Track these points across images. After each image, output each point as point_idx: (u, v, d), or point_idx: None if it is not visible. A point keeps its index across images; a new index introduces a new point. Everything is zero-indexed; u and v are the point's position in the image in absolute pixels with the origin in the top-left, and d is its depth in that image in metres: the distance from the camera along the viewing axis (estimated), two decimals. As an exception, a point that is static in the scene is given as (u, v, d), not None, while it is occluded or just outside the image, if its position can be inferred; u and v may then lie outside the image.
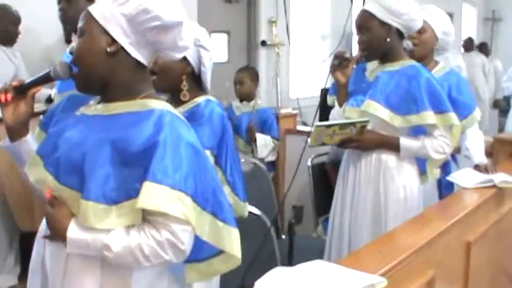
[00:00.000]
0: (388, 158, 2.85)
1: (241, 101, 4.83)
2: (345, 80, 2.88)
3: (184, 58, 2.28)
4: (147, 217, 1.59)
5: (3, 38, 4.36)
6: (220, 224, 1.65)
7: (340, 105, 2.92)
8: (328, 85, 3.25)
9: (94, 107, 1.75)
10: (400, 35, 2.87)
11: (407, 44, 3.38)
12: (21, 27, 4.38)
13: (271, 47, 6.98)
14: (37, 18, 4.46)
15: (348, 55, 2.89)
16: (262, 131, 4.65)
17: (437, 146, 2.82)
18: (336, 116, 2.94)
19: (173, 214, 1.53)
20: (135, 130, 1.60)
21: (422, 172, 2.97)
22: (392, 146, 2.84)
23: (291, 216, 3.58)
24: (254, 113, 4.68)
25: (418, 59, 3.38)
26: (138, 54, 1.68)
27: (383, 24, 2.78)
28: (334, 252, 2.96)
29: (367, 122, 2.78)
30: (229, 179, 2.35)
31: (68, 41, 3.53)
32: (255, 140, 4.57)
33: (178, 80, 2.32)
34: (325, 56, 6.94)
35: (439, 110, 2.77)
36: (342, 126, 2.73)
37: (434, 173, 3.01)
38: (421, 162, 2.95)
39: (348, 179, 2.92)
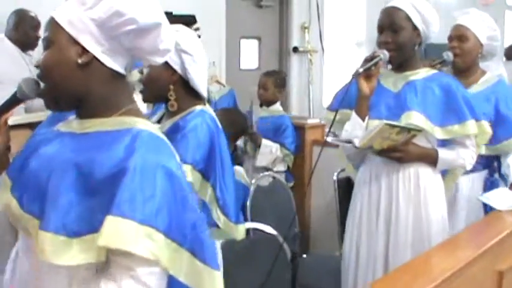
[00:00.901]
0: (426, 173, 2.66)
1: (262, 105, 4.68)
2: (370, 91, 2.62)
3: (170, 66, 2.14)
4: (109, 256, 1.37)
5: (23, 43, 4.24)
6: (199, 264, 1.43)
7: (363, 119, 2.67)
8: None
9: (69, 123, 1.56)
10: (420, 44, 2.69)
11: (448, 55, 3.19)
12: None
13: (303, 53, 6.79)
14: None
15: (381, 59, 2.61)
16: (274, 138, 4.47)
17: (469, 157, 2.69)
18: (350, 130, 2.67)
19: (140, 254, 1.32)
20: (104, 153, 1.40)
21: None
22: (432, 158, 2.66)
23: (298, 240, 3.35)
24: (255, 118, 4.52)
25: (460, 71, 3.19)
26: (114, 63, 1.48)
27: (415, 29, 2.61)
28: (362, 273, 2.71)
29: (420, 131, 2.58)
30: (218, 196, 2.15)
31: None
32: (259, 146, 4.38)
33: (166, 90, 2.18)
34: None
35: (475, 118, 2.63)
36: (401, 130, 2.51)
37: (451, 186, 2.87)
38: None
39: (381, 196, 2.68)
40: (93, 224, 1.35)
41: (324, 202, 4.26)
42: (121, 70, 1.50)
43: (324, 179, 4.16)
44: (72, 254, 1.36)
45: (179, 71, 2.17)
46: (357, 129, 2.66)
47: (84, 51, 1.44)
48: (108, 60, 1.46)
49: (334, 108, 2.81)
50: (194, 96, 2.22)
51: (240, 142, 4.72)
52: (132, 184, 1.33)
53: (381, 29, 2.63)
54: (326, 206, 4.30)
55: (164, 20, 1.48)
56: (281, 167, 4.48)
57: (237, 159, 3.48)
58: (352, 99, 2.65)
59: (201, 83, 2.22)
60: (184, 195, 1.40)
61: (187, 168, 2.02)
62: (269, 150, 4.38)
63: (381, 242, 2.67)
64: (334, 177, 3.88)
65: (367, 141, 2.50)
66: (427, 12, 2.61)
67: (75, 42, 1.44)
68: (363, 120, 2.63)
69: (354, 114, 2.66)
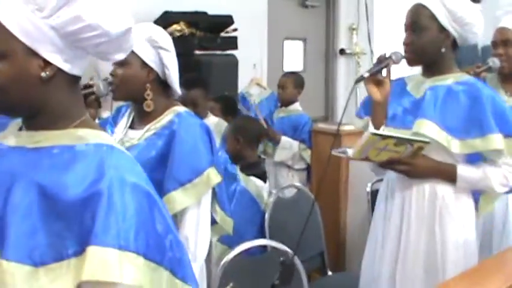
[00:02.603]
0: (445, 191, 2.35)
1: (281, 106, 4.81)
2: (382, 97, 2.35)
3: (146, 64, 2.10)
4: (84, 286, 1.23)
5: None
6: (179, 282, 1.33)
7: (378, 128, 2.41)
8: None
9: (15, 136, 1.38)
10: (454, 46, 2.38)
11: (493, 61, 2.94)
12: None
13: (350, 56, 6.54)
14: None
15: (394, 61, 2.33)
16: (292, 137, 4.56)
17: (501, 177, 2.32)
18: None
19: (126, 283, 1.21)
20: (69, 173, 1.26)
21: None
22: (449, 175, 2.33)
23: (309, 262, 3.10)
24: (258, 112, 4.57)
25: (507, 78, 2.95)
26: (75, 69, 1.33)
27: (442, 29, 2.32)
28: None
29: (427, 143, 2.27)
30: (216, 190, 2.19)
31: None
32: (278, 142, 4.48)
33: (141, 90, 2.13)
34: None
35: (507, 132, 2.27)
36: (399, 141, 2.23)
37: (489, 209, 2.52)
38: (476, 195, 2.44)
39: (392, 214, 2.41)
40: (60, 251, 1.24)
41: (358, 215, 3.99)
42: (80, 73, 1.35)
43: (357, 190, 3.93)
44: (40, 284, 1.24)
45: (156, 69, 2.12)
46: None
47: (47, 63, 1.27)
48: (70, 68, 1.31)
49: (363, 114, 2.59)
50: (169, 96, 2.20)
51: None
52: (108, 209, 1.23)
53: (405, 28, 2.37)
54: (361, 220, 4.04)
55: (131, 22, 1.34)
56: (302, 165, 4.56)
57: (257, 168, 3.25)
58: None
59: (177, 80, 2.18)
60: (157, 209, 1.31)
61: (212, 172, 2.08)
62: (289, 145, 4.47)
63: (386, 267, 2.40)
64: (368, 189, 3.64)
65: (359, 152, 2.24)
66: (461, 10, 2.30)
67: (34, 54, 1.26)
68: (379, 128, 2.37)
69: (370, 123, 2.41)
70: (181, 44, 4.62)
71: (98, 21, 1.25)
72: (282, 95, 4.74)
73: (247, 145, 3.25)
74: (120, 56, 1.39)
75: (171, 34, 4.69)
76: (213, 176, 2.09)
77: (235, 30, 5.09)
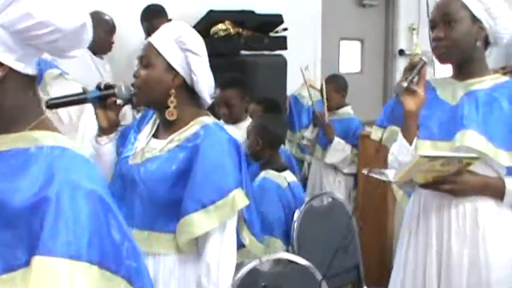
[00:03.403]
0: (486, 207, 2.10)
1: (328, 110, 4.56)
2: (416, 107, 2.11)
3: (172, 68, 1.93)
4: None
5: (94, 48, 4.05)
6: None
7: (410, 142, 2.17)
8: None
9: None
10: (486, 44, 2.15)
11: None
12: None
13: (410, 57, 6.22)
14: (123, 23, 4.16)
15: (426, 63, 2.11)
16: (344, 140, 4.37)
17: None
18: (396, 154, 2.18)
19: None
20: (22, 178, 1.19)
21: None
22: (497, 190, 2.09)
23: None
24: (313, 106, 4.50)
25: None
26: (29, 68, 1.26)
27: (475, 20, 2.09)
28: None
29: (476, 159, 2.04)
30: (245, 215, 2.02)
31: None
32: (331, 142, 4.32)
33: (165, 95, 1.94)
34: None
35: None
36: (448, 160, 2.01)
37: None
38: None
39: (430, 235, 2.17)
40: (10, 261, 1.18)
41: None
42: (34, 72, 1.27)
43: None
44: None
45: (183, 73, 1.94)
46: (403, 153, 2.16)
47: None
48: (23, 66, 1.24)
49: (383, 123, 2.38)
50: (196, 104, 2.01)
51: (308, 134, 4.48)
52: (57, 216, 1.15)
53: (433, 23, 2.14)
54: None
55: (86, 17, 1.29)
56: (352, 169, 4.38)
57: (275, 163, 3.11)
58: (401, 114, 2.17)
59: (206, 88, 1.99)
60: (112, 216, 1.23)
61: (238, 193, 1.89)
62: (341, 147, 4.31)
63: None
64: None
65: (403, 176, 2.02)
66: (492, 1, 2.09)
67: None
68: (411, 141, 2.14)
69: (400, 135, 2.18)
70: (226, 44, 4.53)
71: (49, 18, 1.19)
72: (328, 105, 4.50)
73: (267, 147, 3.04)
74: (77, 53, 1.31)
75: (215, 34, 4.61)
76: (239, 199, 1.88)
77: (285, 29, 4.92)
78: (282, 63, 4.75)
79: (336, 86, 4.50)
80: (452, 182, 2.05)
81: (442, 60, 2.15)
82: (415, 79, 2.08)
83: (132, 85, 1.98)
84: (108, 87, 2.01)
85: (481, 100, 2.08)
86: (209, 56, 4.22)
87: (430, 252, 2.17)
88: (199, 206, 1.84)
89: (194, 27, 4.49)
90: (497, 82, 2.11)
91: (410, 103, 2.10)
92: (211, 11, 4.56)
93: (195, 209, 1.84)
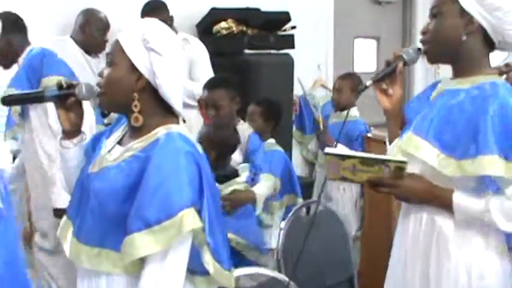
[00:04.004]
0: (444, 222, 1.90)
1: (336, 110, 4.39)
2: (391, 105, 1.99)
3: (136, 69, 1.71)
4: None
5: (88, 46, 3.93)
6: None
7: (390, 141, 2.02)
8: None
9: None
10: (487, 41, 1.92)
11: None
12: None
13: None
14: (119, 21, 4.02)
15: (405, 61, 1.98)
16: (348, 145, 4.05)
17: (505, 211, 1.82)
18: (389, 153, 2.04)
19: None
20: None
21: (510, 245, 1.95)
22: (444, 202, 1.88)
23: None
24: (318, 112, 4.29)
25: None
26: None
27: (463, 13, 1.88)
28: None
29: (404, 162, 1.85)
30: (209, 241, 1.69)
31: None
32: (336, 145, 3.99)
33: (128, 98, 1.73)
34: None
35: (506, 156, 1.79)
36: (364, 161, 1.86)
37: None
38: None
39: (399, 243, 2.03)
40: None
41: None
42: None
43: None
44: None
45: (147, 75, 1.72)
46: (389, 151, 2.04)
47: None
48: None
49: None
50: (166, 110, 1.77)
51: (312, 147, 4.32)
52: None
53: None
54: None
55: None
56: None
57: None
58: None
59: (174, 94, 1.75)
60: None
61: (188, 214, 1.62)
62: None
63: None
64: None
65: (333, 173, 1.92)
66: None
67: None
68: (391, 140, 2.03)
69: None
70: (229, 43, 4.38)
71: None
72: (338, 99, 4.29)
73: (222, 157, 2.88)
74: None
75: (217, 32, 4.46)
76: (189, 220, 1.61)
77: (293, 27, 4.75)
78: (289, 63, 4.58)
79: (352, 84, 4.23)
80: (389, 186, 1.88)
81: (428, 58, 1.97)
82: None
83: (98, 85, 1.80)
84: (70, 86, 1.83)
85: (447, 100, 1.90)
86: (211, 55, 4.15)
87: (394, 260, 2.05)
88: (143, 225, 1.61)
89: (196, 25, 4.48)
90: (477, 82, 1.89)
91: (384, 102, 1.99)
92: (213, 9, 4.42)
93: (139, 229, 1.61)
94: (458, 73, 1.95)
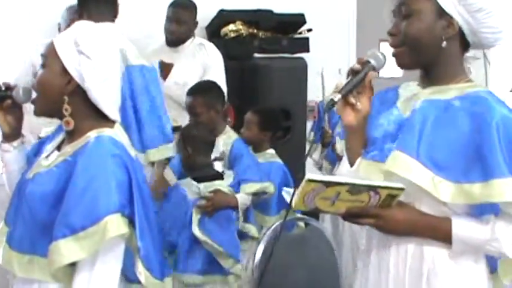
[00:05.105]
0: (436, 254, 1.65)
1: None
2: (356, 122, 1.71)
3: (67, 72, 1.71)
4: None
5: None
6: None
7: (352, 162, 1.77)
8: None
9: None
10: (463, 43, 1.70)
11: None
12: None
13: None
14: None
15: (375, 68, 1.69)
16: None
17: None
18: (346, 175, 1.79)
19: None
20: None
21: (492, 270, 1.76)
22: (440, 234, 1.65)
23: None
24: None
25: None
26: None
27: (442, 14, 1.66)
28: None
29: (401, 189, 1.61)
30: (139, 245, 1.67)
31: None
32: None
33: (59, 102, 1.72)
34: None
35: None
36: (355, 188, 1.60)
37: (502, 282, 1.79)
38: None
39: (368, 280, 1.77)
40: None
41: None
42: None
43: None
44: None
45: (77, 78, 1.71)
46: (350, 174, 1.77)
47: None
48: None
49: (341, 135, 2.06)
50: (100, 114, 1.75)
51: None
52: None
53: (393, 15, 1.72)
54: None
55: None
56: None
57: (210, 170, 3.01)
58: None
59: (103, 98, 1.74)
60: None
61: (113, 220, 1.61)
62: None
63: None
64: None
65: (299, 204, 1.62)
66: None
67: None
68: (353, 161, 1.74)
69: (344, 155, 1.80)
70: (238, 46, 4.22)
71: None
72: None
73: (198, 154, 2.92)
74: None
75: (225, 35, 4.30)
76: (113, 226, 1.59)
77: (309, 30, 4.55)
78: (302, 67, 4.38)
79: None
80: (373, 216, 1.63)
81: (400, 63, 1.70)
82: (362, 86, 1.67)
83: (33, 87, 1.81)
84: (7, 88, 1.87)
85: (434, 114, 1.64)
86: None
87: None
88: (68, 231, 1.60)
89: (206, 28, 4.33)
90: (463, 91, 1.66)
91: (349, 116, 1.69)
92: (221, 11, 4.27)
93: (64, 235, 1.60)
94: (432, 80, 1.70)
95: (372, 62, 1.67)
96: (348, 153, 1.76)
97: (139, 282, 1.73)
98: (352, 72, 1.69)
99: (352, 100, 1.67)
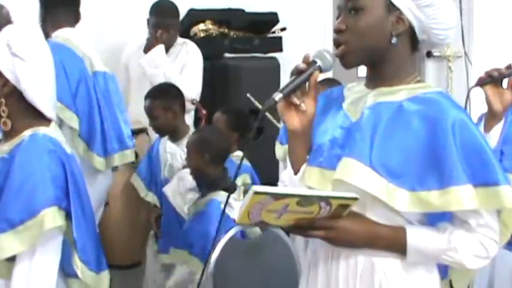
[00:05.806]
0: (387, 265, 1.59)
1: None
2: (300, 126, 1.62)
3: (1, 73, 1.82)
4: None
5: None
6: None
7: (296, 169, 1.69)
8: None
9: None
10: (413, 41, 1.64)
11: None
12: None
13: (441, 59, 5.66)
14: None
15: (321, 69, 1.60)
16: None
17: (475, 246, 1.55)
18: (288, 183, 1.72)
19: None
20: None
21: (442, 276, 1.70)
22: (393, 244, 1.58)
23: None
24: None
25: None
26: None
27: (391, 8, 1.59)
28: None
29: (354, 199, 1.53)
30: (75, 237, 1.81)
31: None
32: None
33: None
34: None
35: (482, 181, 1.51)
36: (306, 200, 1.51)
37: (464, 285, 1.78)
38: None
39: None
40: None
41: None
42: None
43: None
44: None
45: (13, 81, 1.83)
46: (294, 182, 1.69)
47: None
48: None
49: (280, 140, 2.04)
50: (37, 114, 1.87)
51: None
52: None
53: (339, 11, 1.65)
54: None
55: None
56: None
57: (223, 183, 2.91)
58: None
59: (40, 98, 1.85)
60: None
61: (49, 213, 1.74)
62: None
63: None
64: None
65: (244, 218, 1.52)
66: None
67: None
68: (297, 168, 1.66)
69: (288, 161, 1.71)
70: (208, 46, 4.15)
71: None
72: None
73: (212, 162, 2.87)
74: None
75: (194, 35, 4.22)
76: (49, 219, 1.73)
77: (283, 29, 4.49)
78: (274, 67, 4.30)
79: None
80: (323, 228, 1.54)
81: (345, 62, 1.61)
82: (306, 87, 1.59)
83: None
84: None
85: (385, 117, 1.57)
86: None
87: None
88: (7, 226, 1.73)
89: None
90: (416, 92, 1.60)
91: (293, 120, 1.61)
92: (191, 10, 4.21)
93: (3, 230, 1.72)
94: (380, 80, 1.63)
95: (319, 62, 1.60)
96: (291, 159, 1.67)
97: (75, 276, 1.84)
98: (297, 72, 1.61)
99: (296, 101, 1.60)
